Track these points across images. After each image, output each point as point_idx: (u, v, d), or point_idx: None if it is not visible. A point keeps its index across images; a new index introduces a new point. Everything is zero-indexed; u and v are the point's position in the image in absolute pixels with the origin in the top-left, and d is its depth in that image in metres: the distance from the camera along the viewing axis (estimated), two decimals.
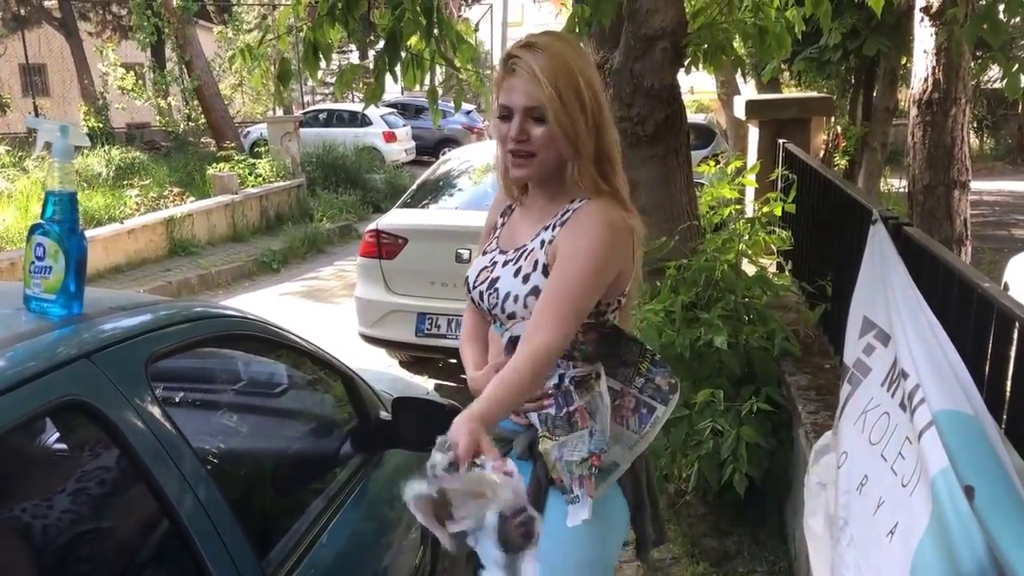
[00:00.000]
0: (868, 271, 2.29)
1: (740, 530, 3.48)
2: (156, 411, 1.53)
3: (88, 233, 1.48)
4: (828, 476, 2.36)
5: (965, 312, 2.01)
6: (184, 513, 1.47)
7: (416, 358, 5.96)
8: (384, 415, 2.58)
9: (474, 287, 1.85)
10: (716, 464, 3.15)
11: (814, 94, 9.29)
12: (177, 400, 2.10)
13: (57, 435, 1.44)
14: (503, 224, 1.93)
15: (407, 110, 23.00)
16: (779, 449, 3.32)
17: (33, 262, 1.61)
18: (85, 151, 13.14)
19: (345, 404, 2.52)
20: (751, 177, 4.65)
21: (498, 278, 1.79)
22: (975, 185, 6.25)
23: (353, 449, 2.36)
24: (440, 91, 3.85)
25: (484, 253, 1.91)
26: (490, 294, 1.79)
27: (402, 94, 24.65)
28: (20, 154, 13.22)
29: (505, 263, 1.80)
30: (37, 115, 20.56)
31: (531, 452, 1.80)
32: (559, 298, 1.62)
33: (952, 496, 1.43)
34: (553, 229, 1.73)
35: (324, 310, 7.99)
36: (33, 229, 1.62)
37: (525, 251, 1.77)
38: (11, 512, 1.36)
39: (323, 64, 3.36)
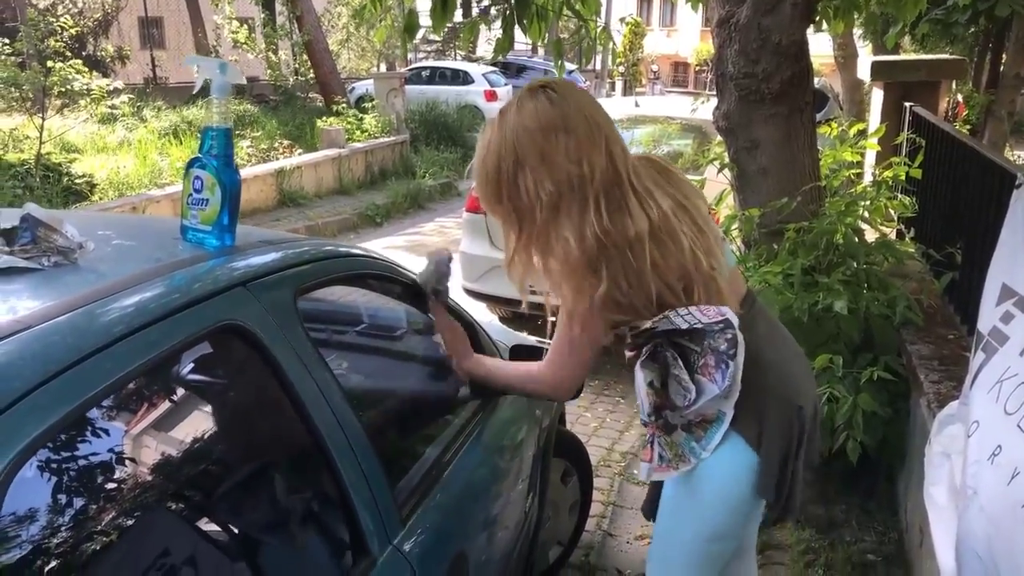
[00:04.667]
0: (1009, 236, 2.19)
1: (849, 499, 3.42)
2: (304, 340, 1.60)
3: None
4: (953, 446, 2.29)
5: None
6: (327, 434, 1.54)
7: (516, 314, 6.02)
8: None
9: None
10: (829, 430, 3.09)
11: (944, 56, 8.84)
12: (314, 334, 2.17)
13: (216, 356, 1.51)
14: None
15: (509, 69, 22.93)
16: (895, 419, 3.24)
17: (191, 194, 1.69)
18: (200, 102, 13.61)
19: None
20: (874, 140, 4.50)
21: None
22: None
23: (471, 393, 2.40)
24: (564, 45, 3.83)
25: None
26: None
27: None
28: (139, 104, 13.76)
29: None
30: (154, 67, 21.34)
31: None
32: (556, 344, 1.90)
33: None
34: None
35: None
36: (191, 163, 1.70)
37: None
38: (176, 422, 1.45)
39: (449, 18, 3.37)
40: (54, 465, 1.21)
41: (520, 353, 2.57)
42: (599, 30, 3.75)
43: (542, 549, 2.98)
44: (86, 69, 9.68)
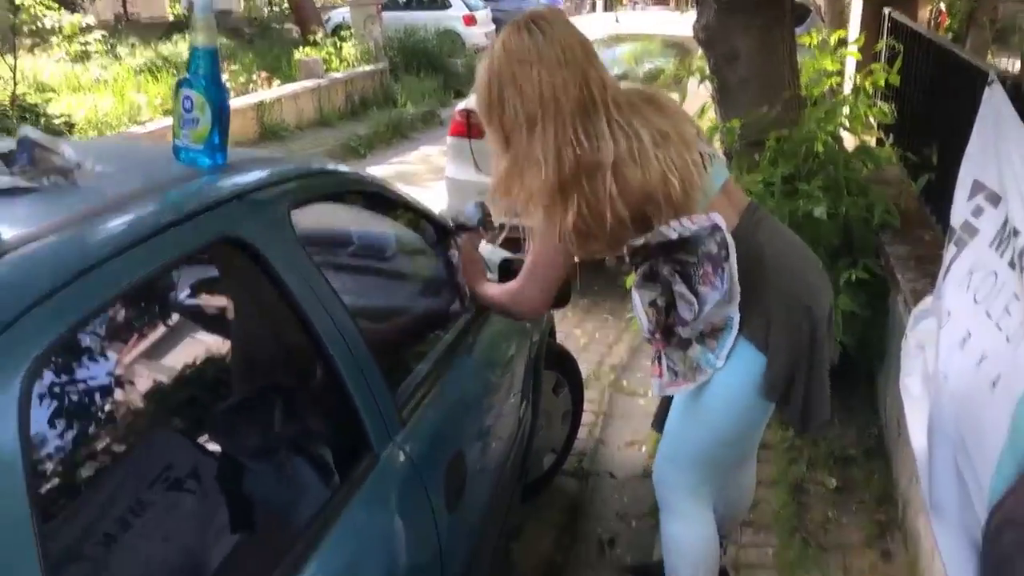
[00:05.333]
0: (980, 134, 2.25)
1: (831, 398, 3.53)
2: (301, 252, 1.66)
3: None
4: (927, 339, 2.38)
5: None
6: (327, 340, 1.61)
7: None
8: (490, 276, 2.70)
9: None
10: None
11: None
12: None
13: (217, 268, 1.57)
14: None
15: None
16: (874, 319, 3.33)
17: (182, 114, 1.72)
18: (175, 39, 13.37)
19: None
20: (854, 48, 4.50)
21: None
22: None
23: (462, 308, 2.48)
24: None
25: None
26: None
27: None
28: (112, 41, 13.50)
29: None
30: (125, 3, 20.84)
31: None
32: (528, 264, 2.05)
33: None
34: None
35: (413, 193, 8.06)
36: (179, 83, 1.73)
37: None
38: (183, 332, 1.51)
39: None
40: (65, 375, 1.26)
41: (508, 269, 2.63)
42: None
43: (536, 456, 3.09)
44: (56, 6, 9.48)
